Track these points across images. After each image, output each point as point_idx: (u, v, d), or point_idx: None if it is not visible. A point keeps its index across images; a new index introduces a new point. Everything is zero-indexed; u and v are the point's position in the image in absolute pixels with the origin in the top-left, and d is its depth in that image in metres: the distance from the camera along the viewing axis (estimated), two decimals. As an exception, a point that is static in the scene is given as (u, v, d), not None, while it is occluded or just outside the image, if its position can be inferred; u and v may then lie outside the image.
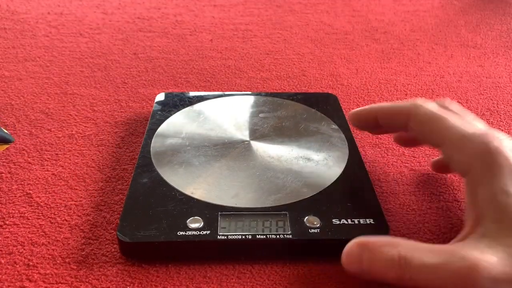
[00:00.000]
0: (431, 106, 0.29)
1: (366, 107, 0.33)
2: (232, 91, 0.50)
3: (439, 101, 0.32)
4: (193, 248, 0.29)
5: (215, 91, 0.50)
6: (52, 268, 0.29)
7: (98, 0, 0.75)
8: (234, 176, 0.34)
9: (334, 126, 0.40)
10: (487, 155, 0.25)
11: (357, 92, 0.51)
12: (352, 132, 0.40)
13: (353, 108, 0.48)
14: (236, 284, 0.28)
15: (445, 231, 0.33)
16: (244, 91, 0.50)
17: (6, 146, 0.38)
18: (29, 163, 0.38)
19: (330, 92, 0.49)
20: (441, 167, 0.36)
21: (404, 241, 0.25)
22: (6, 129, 0.42)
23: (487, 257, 0.21)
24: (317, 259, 0.30)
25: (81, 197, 0.35)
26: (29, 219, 0.32)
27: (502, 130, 0.45)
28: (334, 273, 0.29)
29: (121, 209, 0.32)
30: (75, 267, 0.29)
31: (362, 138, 0.43)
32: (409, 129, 0.30)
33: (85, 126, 0.43)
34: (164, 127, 0.39)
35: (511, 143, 0.26)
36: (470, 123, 0.29)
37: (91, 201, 0.34)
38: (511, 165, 0.24)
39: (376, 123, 0.33)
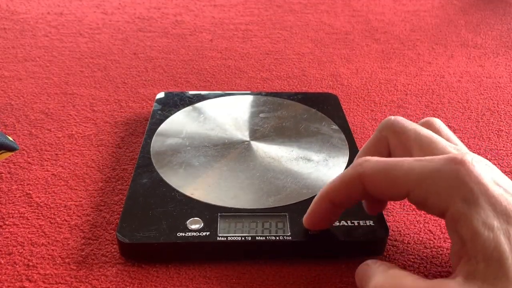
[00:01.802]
0: (374, 159, 0.25)
1: (314, 202, 0.28)
2: (232, 91, 0.50)
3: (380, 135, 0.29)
4: (192, 249, 0.29)
5: (215, 91, 0.50)
6: (52, 268, 0.29)
7: (98, 0, 0.75)
8: (234, 177, 0.34)
9: (335, 127, 0.40)
10: (460, 188, 0.22)
11: (357, 92, 0.51)
12: (353, 133, 0.40)
13: (353, 108, 0.48)
14: (236, 284, 0.28)
15: (445, 231, 0.33)
16: (244, 91, 0.50)
17: (10, 153, 0.38)
18: (29, 163, 0.38)
19: (330, 92, 0.49)
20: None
21: (392, 274, 0.24)
22: (6, 129, 0.42)
23: None
24: (317, 259, 0.30)
25: (81, 197, 0.35)
26: (29, 219, 0.32)
27: (502, 130, 0.45)
28: (334, 273, 0.29)
29: (121, 209, 0.32)
30: (75, 268, 0.29)
31: (363, 138, 0.43)
32: (368, 192, 0.26)
33: (85, 126, 0.43)
34: (164, 127, 0.39)
35: (481, 163, 0.23)
36: (433, 152, 0.25)
37: (91, 201, 0.34)
38: (486, 191, 0.22)
39: (335, 207, 0.28)
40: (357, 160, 0.26)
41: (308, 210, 0.29)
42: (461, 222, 0.22)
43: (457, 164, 0.22)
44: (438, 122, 0.29)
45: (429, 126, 0.29)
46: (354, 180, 0.26)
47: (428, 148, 0.26)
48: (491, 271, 0.21)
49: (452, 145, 0.26)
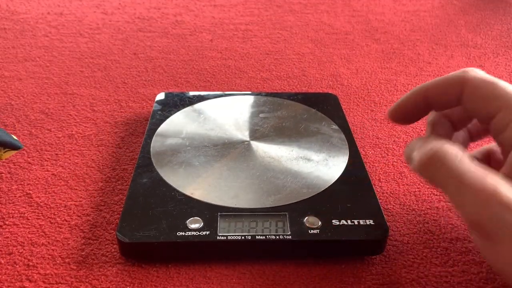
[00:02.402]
0: (481, 71, 0.27)
1: (408, 94, 0.29)
2: (232, 91, 0.50)
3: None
4: (192, 248, 0.29)
5: (215, 91, 0.50)
6: (52, 268, 0.29)
7: (98, 0, 0.75)
8: (234, 177, 0.34)
9: (335, 127, 0.40)
10: None
11: (357, 92, 0.51)
12: (353, 133, 0.40)
13: (353, 108, 0.48)
14: (236, 284, 0.28)
15: (445, 231, 0.33)
16: (244, 91, 0.50)
17: (14, 152, 0.38)
18: (29, 163, 0.38)
19: (330, 92, 0.49)
20: (479, 134, 0.33)
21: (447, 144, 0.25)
22: (6, 129, 0.42)
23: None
24: (317, 259, 0.30)
25: (81, 197, 0.35)
26: (29, 219, 0.32)
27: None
28: (334, 273, 0.29)
29: (121, 209, 0.32)
30: (75, 267, 0.29)
31: (362, 138, 0.43)
32: (463, 100, 0.27)
33: (85, 126, 0.43)
34: (164, 127, 0.39)
35: None
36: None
37: (91, 201, 0.34)
38: None
39: (425, 104, 0.29)
40: (464, 69, 0.27)
41: (398, 101, 0.29)
42: None
43: None
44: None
45: None
46: (456, 82, 0.27)
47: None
48: None
49: None
